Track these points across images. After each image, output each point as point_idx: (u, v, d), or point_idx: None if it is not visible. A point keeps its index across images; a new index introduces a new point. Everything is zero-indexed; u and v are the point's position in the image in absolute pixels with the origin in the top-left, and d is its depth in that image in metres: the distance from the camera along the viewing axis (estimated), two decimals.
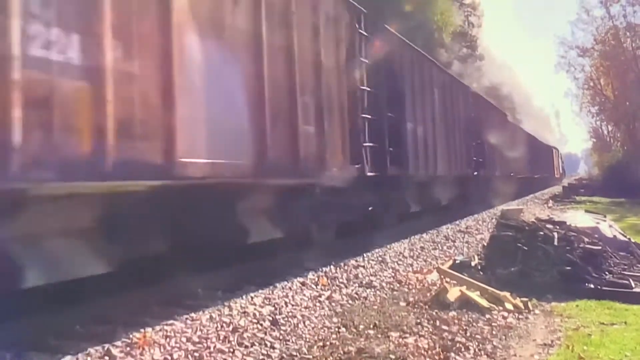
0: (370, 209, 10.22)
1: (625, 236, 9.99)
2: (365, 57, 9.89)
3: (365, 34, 9.98)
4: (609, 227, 9.87)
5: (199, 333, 4.94)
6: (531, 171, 36.64)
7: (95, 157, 4.42)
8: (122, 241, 4.96)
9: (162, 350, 4.54)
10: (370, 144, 9.74)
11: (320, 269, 7.82)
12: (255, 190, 6.94)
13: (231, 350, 4.67)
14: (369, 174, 9.55)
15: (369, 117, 9.78)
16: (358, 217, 9.90)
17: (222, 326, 5.16)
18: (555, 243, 7.76)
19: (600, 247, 8.23)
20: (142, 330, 4.81)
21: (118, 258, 4.91)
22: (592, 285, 7.25)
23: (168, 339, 4.73)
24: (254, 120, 6.57)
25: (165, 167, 5.09)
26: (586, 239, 8.29)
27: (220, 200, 6.18)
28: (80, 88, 4.34)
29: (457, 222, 15.45)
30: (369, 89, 9.86)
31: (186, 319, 5.23)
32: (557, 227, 8.42)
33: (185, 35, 5.42)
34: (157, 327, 4.92)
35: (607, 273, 7.67)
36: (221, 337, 4.90)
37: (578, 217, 10.32)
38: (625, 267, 8.24)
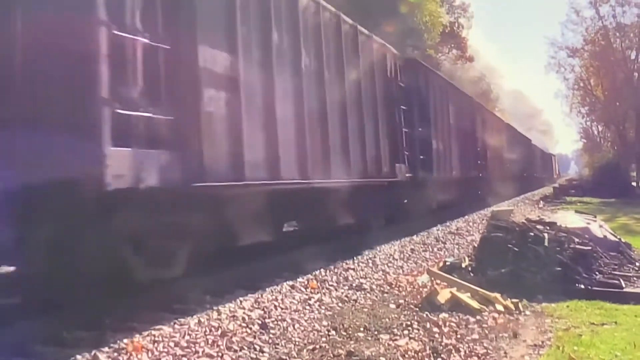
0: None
1: (616, 236, 9.99)
2: None
3: None
4: (600, 228, 9.86)
5: (187, 338, 4.90)
6: (541, 172, 55.28)
7: None
8: None
9: (150, 355, 4.50)
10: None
11: (310, 272, 7.79)
12: None
13: (220, 354, 4.63)
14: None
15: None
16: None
17: (210, 330, 5.12)
18: (546, 244, 7.75)
19: (590, 248, 8.23)
20: (129, 335, 4.76)
21: None
22: (582, 286, 7.25)
23: (156, 344, 4.69)
24: None
25: None
26: (576, 240, 8.27)
27: None
28: None
29: (448, 223, 15.48)
30: None
31: (174, 323, 5.19)
32: (548, 228, 8.39)
33: None
34: (145, 332, 4.87)
35: (597, 273, 7.67)
36: (210, 342, 4.86)
37: (568, 218, 10.29)
38: (616, 267, 8.25)
